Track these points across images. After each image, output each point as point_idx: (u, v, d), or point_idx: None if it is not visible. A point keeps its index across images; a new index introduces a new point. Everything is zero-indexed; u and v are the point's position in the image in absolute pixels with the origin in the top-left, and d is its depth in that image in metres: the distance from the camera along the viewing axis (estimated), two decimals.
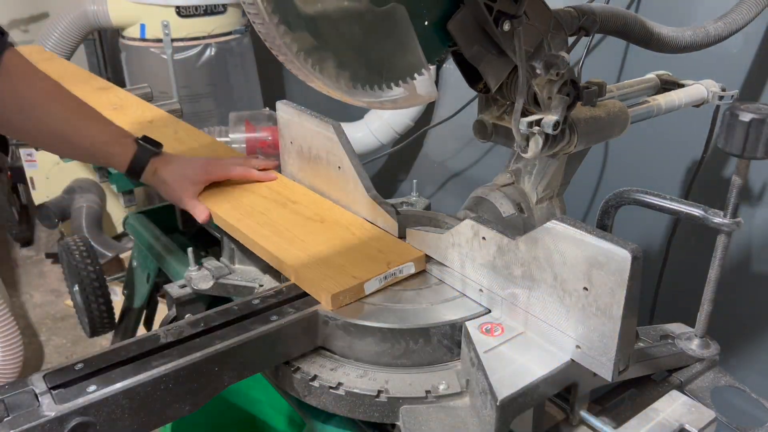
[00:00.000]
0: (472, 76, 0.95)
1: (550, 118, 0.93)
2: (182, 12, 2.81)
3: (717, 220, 0.88)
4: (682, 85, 1.29)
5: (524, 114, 0.95)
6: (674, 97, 1.23)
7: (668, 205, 0.94)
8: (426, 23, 0.86)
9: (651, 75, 1.33)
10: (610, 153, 1.90)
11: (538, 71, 0.92)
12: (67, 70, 2.12)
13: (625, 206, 1.00)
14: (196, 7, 2.81)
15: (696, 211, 0.91)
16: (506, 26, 0.85)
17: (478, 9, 0.84)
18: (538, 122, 0.94)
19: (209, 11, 2.85)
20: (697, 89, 1.27)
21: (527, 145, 0.96)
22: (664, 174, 1.77)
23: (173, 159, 1.24)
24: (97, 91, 1.85)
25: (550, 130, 0.93)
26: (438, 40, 0.90)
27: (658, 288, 1.68)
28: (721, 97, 1.26)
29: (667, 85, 1.31)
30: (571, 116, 1.01)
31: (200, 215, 1.17)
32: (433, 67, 0.88)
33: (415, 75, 0.87)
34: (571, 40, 1.00)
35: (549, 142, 0.96)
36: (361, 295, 0.93)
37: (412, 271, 0.98)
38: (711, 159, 1.61)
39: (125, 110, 1.69)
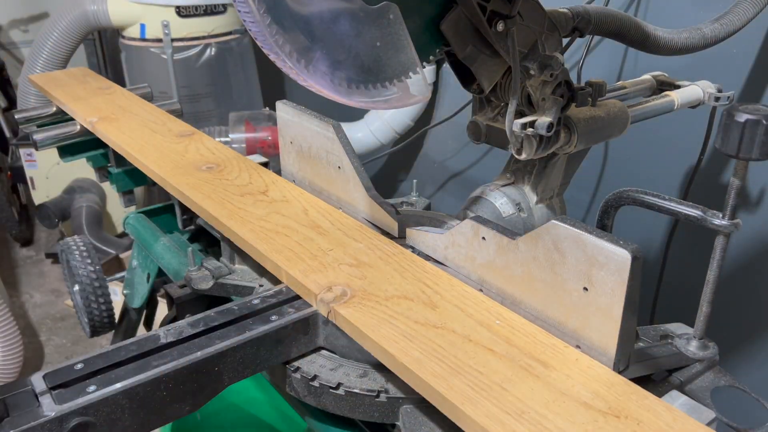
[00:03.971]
0: (466, 76, 0.94)
1: (544, 120, 0.92)
2: (182, 12, 2.81)
3: (716, 221, 0.88)
4: (678, 86, 1.28)
5: (518, 115, 0.94)
6: (670, 98, 1.21)
7: (667, 206, 0.94)
8: (418, 23, 0.85)
9: (647, 76, 1.31)
10: (610, 153, 1.90)
11: (532, 72, 0.91)
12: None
13: (624, 206, 1.00)
14: (196, 7, 2.81)
15: (695, 212, 0.91)
16: (500, 26, 0.84)
17: (471, 9, 0.83)
18: (531, 124, 0.93)
19: (209, 11, 2.85)
20: (693, 90, 1.25)
21: (521, 147, 0.95)
22: (664, 174, 1.77)
23: None
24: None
25: (544, 132, 0.92)
26: (431, 40, 0.89)
27: (659, 288, 1.68)
28: (717, 98, 1.24)
29: (663, 86, 1.29)
30: (570, 117, 1.01)
31: None
32: (430, 67, 0.87)
33: (409, 74, 0.86)
34: (565, 41, 1.00)
35: (543, 144, 0.95)
36: None
37: None
38: (710, 160, 1.61)
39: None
